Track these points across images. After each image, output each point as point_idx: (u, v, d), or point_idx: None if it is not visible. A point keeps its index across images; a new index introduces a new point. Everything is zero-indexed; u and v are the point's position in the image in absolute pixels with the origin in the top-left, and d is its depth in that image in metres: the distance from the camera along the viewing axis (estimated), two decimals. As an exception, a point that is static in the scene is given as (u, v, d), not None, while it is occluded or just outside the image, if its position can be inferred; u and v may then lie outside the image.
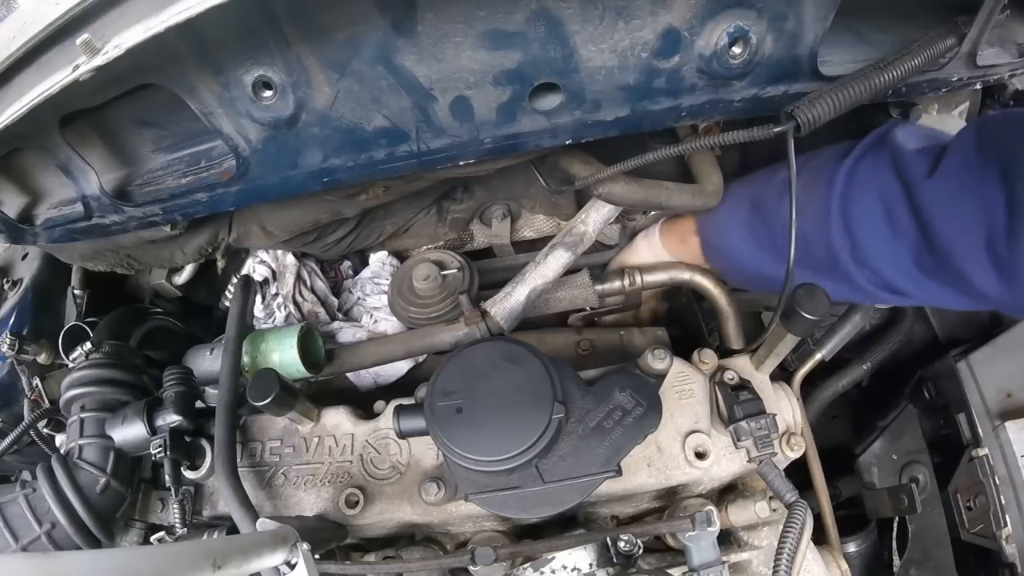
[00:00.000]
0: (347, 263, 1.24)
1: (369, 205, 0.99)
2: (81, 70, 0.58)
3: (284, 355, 0.98)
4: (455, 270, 1.04)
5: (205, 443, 0.91)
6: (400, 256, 1.20)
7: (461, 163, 0.79)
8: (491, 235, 1.14)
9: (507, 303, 0.99)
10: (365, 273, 1.18)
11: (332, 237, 1.08)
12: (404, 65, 0.66)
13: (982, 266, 0.69)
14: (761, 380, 0.91)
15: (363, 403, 0.97)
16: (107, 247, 1.03)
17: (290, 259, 1.12)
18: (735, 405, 0.83)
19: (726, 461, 0.85)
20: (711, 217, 0.99)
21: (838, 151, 0.85)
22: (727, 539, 0.91)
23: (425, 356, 1.08)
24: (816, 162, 0.87)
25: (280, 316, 1.09)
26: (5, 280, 1.15)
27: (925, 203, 0.73)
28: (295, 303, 1.11)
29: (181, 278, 1.18)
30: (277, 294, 1.10)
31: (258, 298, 1.09)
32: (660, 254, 1.08)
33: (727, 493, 0.92)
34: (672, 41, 0.67)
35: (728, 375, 0.89)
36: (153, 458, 0.85)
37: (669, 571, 0.79)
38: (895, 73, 0.70)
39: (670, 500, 0.91)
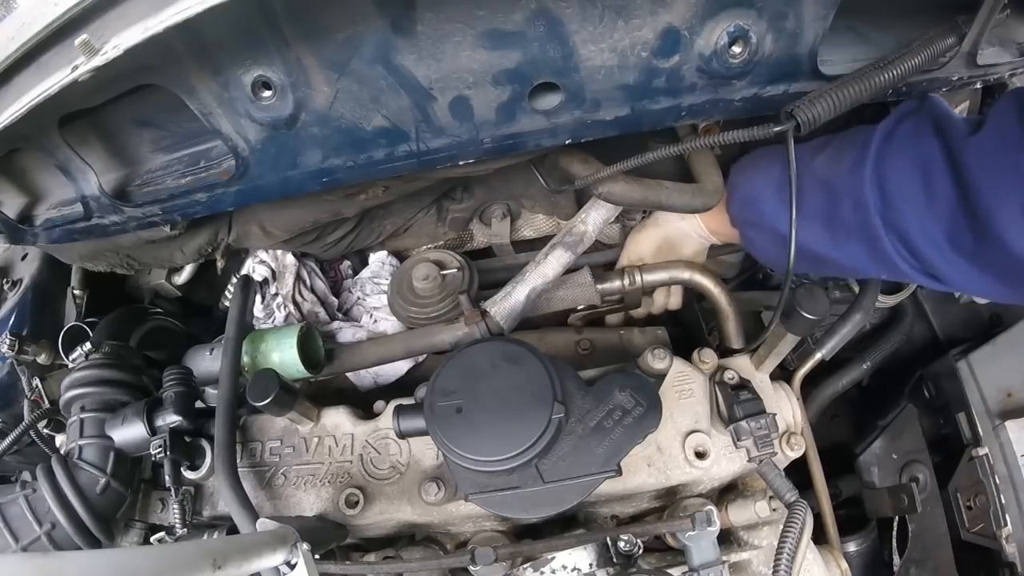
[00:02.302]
0: (347, 263, 1.24)
1: (369, 205, 0.99)
2: (80, 70, 0.58)
3: (284, 355, 0.98)
4: (455, 270, 1.04)
5: (205, 443, 0.91)
6: (400, 256, 1.20)
7: (461, 163, 0.78)
8: (491, 235, 1.14)
9: (507, 303, 0.99)
10: (365, 273, 1.18)
11: (332, 237, 1.07)
12: (403, 65, 0.66)
13: (1020, 229, 0.67)
14: (761, 380, 0.91)
15: (363, 403, 0.97)
16: (107, 247, 1.03)
17: (290, 259, 1.12)
18: (735, 405, 0.83)
19: (726, 461, 0.85)
20: (743, 170, 0.97)
21: (868, 126, 0.82)
22: (727, 539, 0.91)
23: (425, 356, 1.08)
24: (848, 131, 0.84)
25: (280, 316, 1.09)
26: (5, 280, 1.15)
27: (967, 162, 0.71)
28: (295, 303, 1.11)
29: (181, 278, 1.18)
30: (277, 294, 1.10)
31: (258, 298, 1.09)
32: (692, 221, 1.05)
33: (727, 493, 0.92)
34: (672, 40, 0.67)
35: (728, 375, 0.89)
36: (153, 458, 0.85)
37: (669, 571, 0.79)
38: (895, 72, 0.70)
39: (670, 500, 0.91)
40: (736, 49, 0.68)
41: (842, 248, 0.81)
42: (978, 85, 0.85)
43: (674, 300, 1.18)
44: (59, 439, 1.03)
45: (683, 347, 0.94)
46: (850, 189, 0.79)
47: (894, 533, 1.25)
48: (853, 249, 0.81)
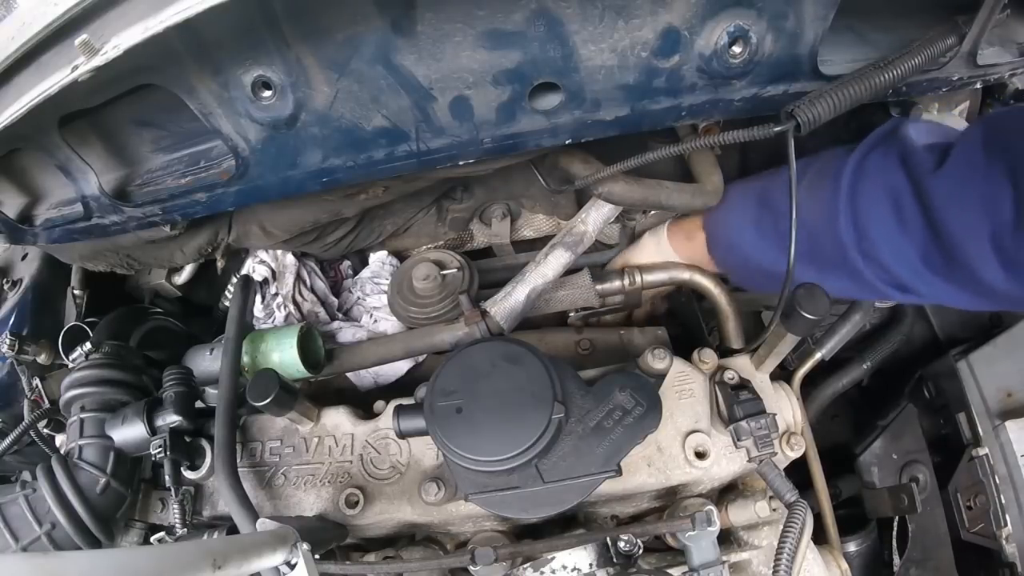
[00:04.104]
0: (347, 263, 1.24)
1: (369, 205, 0.99)
2: (80, 70, 0.58)
3: (284, 355, 0.98)
4: (455, 270, 1.04)
5: (205, 443, 0.91)
6: (400, 256, 1.20)
7: (461, 163, 0.78)
8: (491, 235, 1.14)
9: (507, 303, 0.99)
10: (365, 273, 1.18)
11: (332, 237, 1.07)
12: (403, 65, 0.66)
13: (988, 260, 0.69)
14: (761, 380, 0.91)
15: (363, 403, 0.97)
16: (107, 247, 1.03)
17: (290, 259, 1.12)
18: (735, 405, 0.83)
19: (726, 461, 0.85)
20: (718, 211, 0.99)
21: (843, 150, 0.85)
22: (727, 539, 0.91)
23: (425, 356, 1.08)
24: (822, 161, 0.87)
25: (280, 316, 1.09)
26: (5, 280, 1.15)
27: (933, 197, 0.73)
28: (295, 303, 1.11)
29: (181, 278, 1.18)
30: (277, 294, 1.10)
31: (258, 298, 1.09)
32: (667, 253, 1.07)
33: (727, 493, 0.92)
34: (672, 40, 0.67)
35: (728, 375, 0.89)
36: (153, 458, 0.84)
37: (669, 571, 0.79)
38: (895, 72, 0.70)
39: (670, 500, 0.91)
40: (736, 49, 0.68)
41: (828, 280, 0.83)
42: (978, 85, 0.85)
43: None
44: (59, 439, 1.03)
45: (683, 347, 0.94)
46: (827, 229, 0.82)
47: (894, 533, 1.25)
48: (838, 281, 0.85)
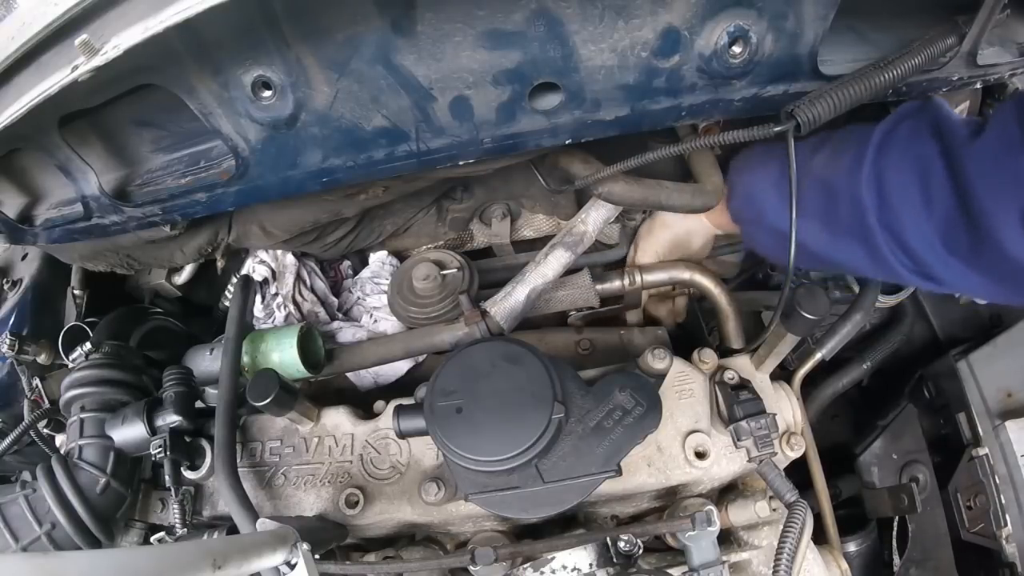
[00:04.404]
0: (347, 263, 1.24)
1: (369, 205, 0.99)
2: (80, 70, 0.58)
3: (284, 355, 0.98)
4: (455, 270, 1.04)
5: (205, 443, 0.91)
6: (400, 256, 1.20)
7: (461, 163, 0.78)
8: (491, 235, 1.14)
9: (507, 303, 0.99)
10: (365, 273, 1.18)
11: (332, 237, 1.07)
12: (403, 65, 0.66)
13: (1018, 236, 0.67)
14: (761, 380, 0.91)
15: (363, 403, 0.97)
16: (107, 247, 1.03)
17: (290, 259, 1.12)
18: (735, 405, 0.83)
19: (726, 461, 0.85)
20: (742, 168, 0.97)
21: (868, 125, 0.82)
22: (727, 539, 0.91)
23: (425, 356, 1.08)
24: (848, 129, 0.84)
25: (280, 316, 1.09)
26: (5, 280, 1.15)
27: (966, 168, 0.71)
28: (295, 303, 1.11)
29: (181, 278, 1.18)
30: (277, 294, 1.10)
31: (258, 298, 1.09)
32: (697, 217, 1.05)
33: (727, 493, 0.92)
34: (672, 40, 0.67)
35: (728, 375, 0.89)
36: (153, 458, 0.85)
37: (669, 571, 0.79)
38: (895, 72, 0.70)
39: (670, 500, 0.91)
40: (736, 49, 0.68)
41: (840, 247, 0.81)
42: (978, 85, 0.85)
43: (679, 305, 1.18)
44: (59, 439, 1.03)
45: (683, 347, 0.94)
46: (847, 189, 0.79)
47: (894, 533, 1.25)
48: (851, 249, 0.81)
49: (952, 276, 0.76)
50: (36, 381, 1.04)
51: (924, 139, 0.75)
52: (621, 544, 0.79)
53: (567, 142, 0.77)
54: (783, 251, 0.81)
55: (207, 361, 1.03)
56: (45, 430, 1.06)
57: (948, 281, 0.77)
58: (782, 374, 0.98)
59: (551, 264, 1.01)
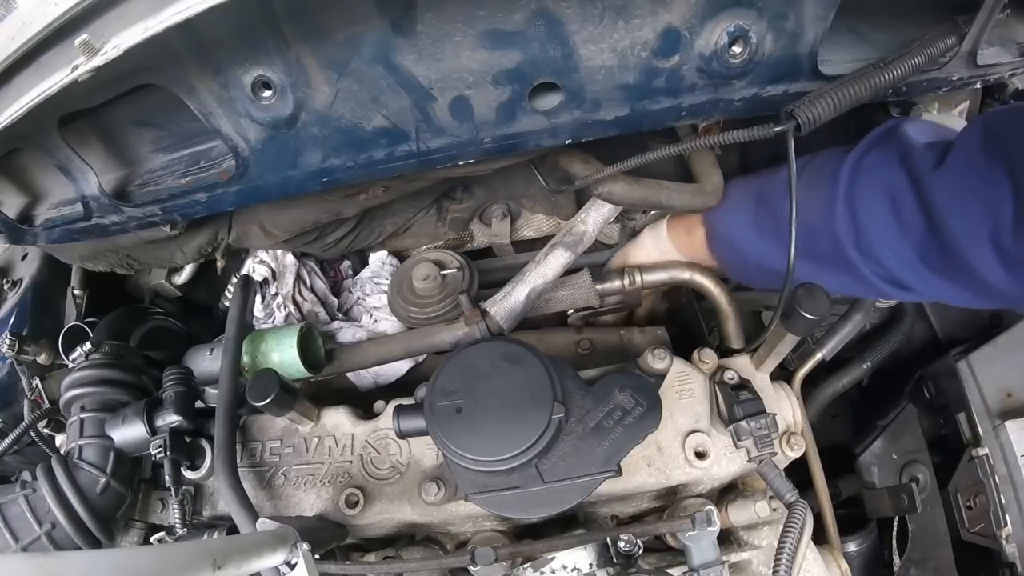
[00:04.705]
0: (347, 263, 1.24)
1: (369, 205, 0.99)
2: (80, 70, 0.58)
3: (284, 355, 0.98)
4: (455, 270, 1.04)
5: (205, 443, 0.90)
6: (400, 256, 1.20)
7: (461, 163, 0.78)
8: (491, 235, 1.14)
9: (507, 303, 0.99)
10: (365, 273, 1.18)
11: (332, 237, 1.08)
12: (403, 65, 0.66)
13: (988, 259, 0.69)
14: (761, 380, 0.91)
15: (363, 403, 0.97)
16: (107, 247, 1.03)
17: (290, 259, 1.12)
18: (735, 405, 0.83)
19: (726, 461, 0.85)
20: (717, 209, 0.99)
21: (841, 150, 0.85)
22: (727, 539, 0.91)
23: (425, 356, 1.08)
24: (819, 160, 0.87)
25: (280, 316, 1.09)
26: (5, 280, 1.15)
27: (932, 195, 0.73)
28: (295, 303, 1.11)
29: (181, 278, 1.18)
30: (277, 294, 1.10)
31: (258, 298, 1.09)
32: (666, 249, 1.07)
33: (727, 493, 0.92)
34: (672, 40, 0.67)
35: (728, 375, 0.89)
36: (153, 458, 0.84)
37: (669, 571, 0.79)
38: (895, 72, 0.70)
39: (670, 500, 0.91)
40: (736, 49, 0.68)
41: (826, 277, 0.83)
42: (978, 85, 0.85)
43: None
44: (59, 439, 1.03)
45: (683, 347, 0.94)
46: (824, 226, 0.82)
47: (894, 533, 1.25)
48: (835, 276, 0.85)
49: (932, 290, 0.80)
50: (36, 381, 1.04)
51: (892, 168, 0.78)
52: (621, 544, 0.79)
53: (567, 142, 0.77)
54: (770, 281, 0.83)
55: (207, 361, 1.03)
56: (45, 430, 1.06)
57: (929, 294, 0.81)
58: (782, 374, 0.98)
59: (551, 264, 1.01)
